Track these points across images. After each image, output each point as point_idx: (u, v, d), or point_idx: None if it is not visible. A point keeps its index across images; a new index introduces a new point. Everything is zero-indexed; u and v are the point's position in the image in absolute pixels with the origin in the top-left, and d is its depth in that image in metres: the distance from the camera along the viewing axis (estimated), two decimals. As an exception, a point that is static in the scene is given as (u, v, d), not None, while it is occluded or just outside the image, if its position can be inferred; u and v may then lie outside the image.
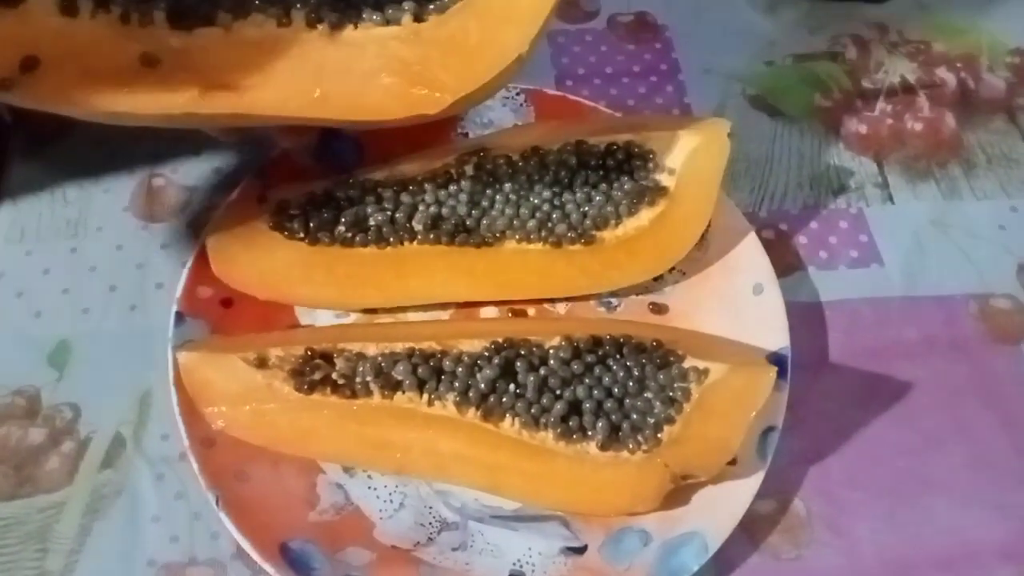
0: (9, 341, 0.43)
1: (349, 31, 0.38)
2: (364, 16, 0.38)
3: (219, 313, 0.43)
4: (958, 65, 0.57)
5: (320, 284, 0.43)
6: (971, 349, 0.46)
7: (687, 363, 0.39)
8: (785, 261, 0.48)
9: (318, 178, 0.46)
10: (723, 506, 0.38)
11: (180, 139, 0.50)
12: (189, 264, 0.43)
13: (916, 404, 0.44)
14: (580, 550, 0.39)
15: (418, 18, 0.38)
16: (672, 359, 0.40)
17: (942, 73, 0.56)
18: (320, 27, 0.38)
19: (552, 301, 0.45)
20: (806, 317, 0.46)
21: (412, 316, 0.44)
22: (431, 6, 0.38)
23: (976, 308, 0.47)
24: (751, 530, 0.40)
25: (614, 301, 0.45)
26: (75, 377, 0.43)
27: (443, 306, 0.45)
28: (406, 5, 0.38)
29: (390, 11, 0.38)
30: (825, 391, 0.44)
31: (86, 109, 0.36)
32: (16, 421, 0.41)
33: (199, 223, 0.47)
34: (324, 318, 0.44)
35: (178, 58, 0.37)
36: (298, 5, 0.38)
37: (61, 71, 0.36)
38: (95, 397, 0.42)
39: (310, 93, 0.37)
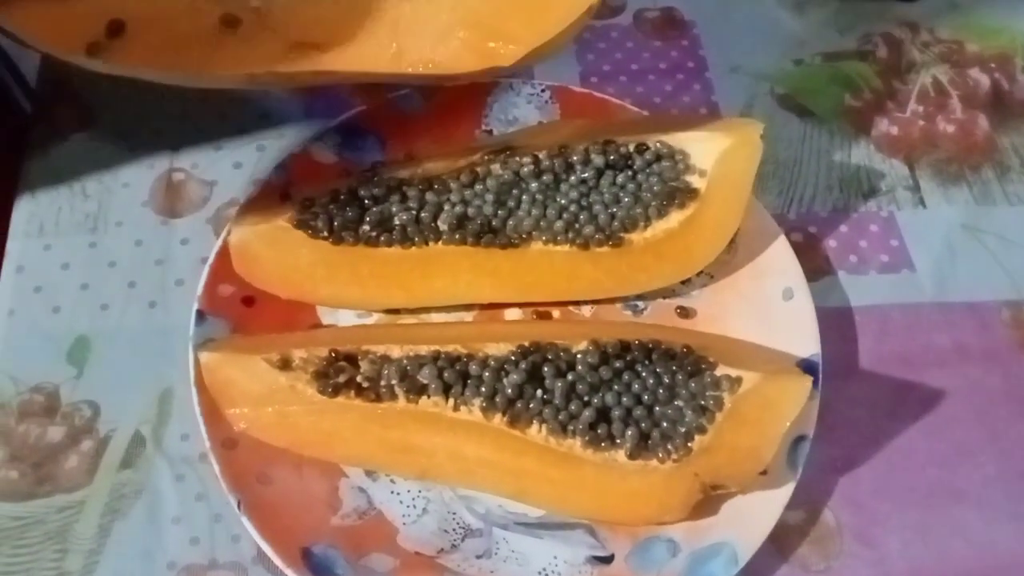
0: (27, 337, 0.43)
1: None
2: None
3: (240, 312, 0.42)
4: (992, 66, 0.55)
5: (344, 284, 0.42)
6: (1003, 358, 0.45)
7: (719, 371, 0.39)
8: (814, 265, 0.47)
9: (341, 175, 0.45)
10: (753, 516, 0.38)
11: (200, 132, 0.50)
12: (210, 261, 0.42)
13: (947, 413, 0.44)
14: (607, 559, 0.38)
15: None
16: (703, 366, 0.39)
17: (975, 74, 0.55)
18: None
19: (577, 303, 0.44)
20: (836, 323, 0.45)
21: (435, 317, 0.44)
22: None
23: (1009, 316, 0.46)
24: (780, 541, 0.39)
25: (640, 304, 0.45)
26: (94, 374, 0.42)
27: (467, 307, 0.44)
28: None
29: None
30: (855, 399, 0.43)
31: (171, 71, 0.38)
32: (35, 419, 0.41)
33: (220, 219, 0.47)
34: (346, 318, 0.44)
35: (258, 18, 0.38)
36: None
37: (146, 35, 0.37)
38: (114, 395, 0.42)
39: (387, 49, 0.38)
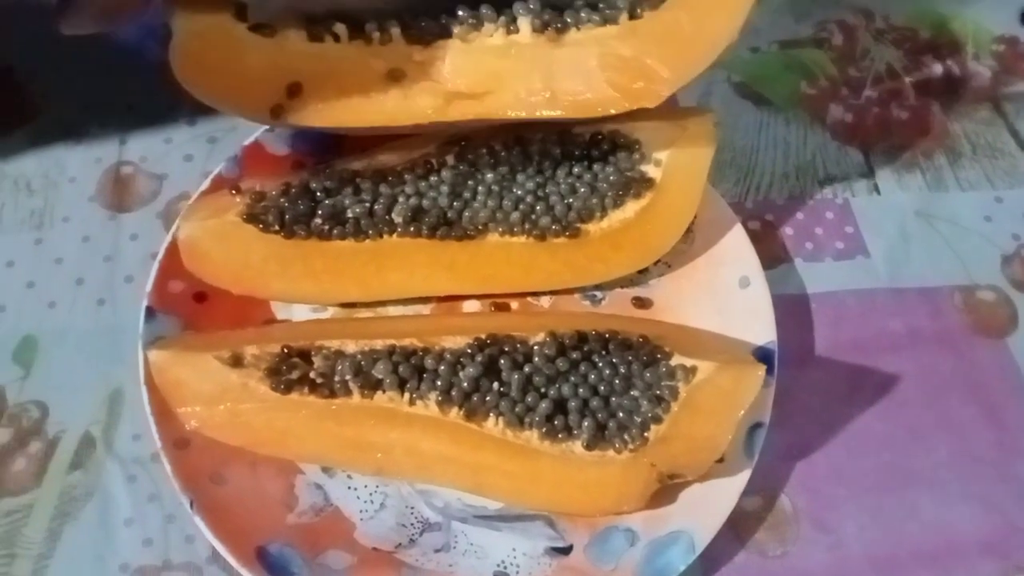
0: (-29, 337, 0.42)
1: (572, 33, 0.41)
2: (583, 16, 0.40)
3: (192, 308, 0.41)
4: (944, 52, 0.56)
5: (296, 278, 0.41)
6: (956, 342, 0.46)
7: (674, 361, 0.39)
8: (771, 253, 0.47)
9: (294, 167, 0.45)
10: (710, 504, 0.38)
11: (149, 124, 0.49)
12: (160, 257, 0.42)
13: (901, 398, 0.44)
14: (565, 550, 0.38)
15: (633, 15, 0.40)
16: (659, 356, 0.39)
17: (928, 61, 0.56)
18: (547, 32, 0.40)
19: (536, 294, 0.44)
20: (792, 310, 0.46)
21: (392, 310, 0.43)
22: (645, 2, 0.40)
23: (961, 300, 0.47)
24: (737, 527, 0.40)
25: (598, 294, 0.45)
26: (42, 374, 0.41)
27: (424, 300, 0.44)
28: (621, 3, 0.40)
29: (607, 11, 0.40)
30: (811, 385, 0.44)
31: (345, 124, 0.40)
32: (-20, 421, 0.40)
33: (170, 213, 0.46)
34: (301, 312, 0.43)
35: (419, 70, 0.40)
36: (522, 12, 0.40)
37: (321, 93, 0.40)
38: (63, 395, 0.41)
39: (541, 93, 0.40)
